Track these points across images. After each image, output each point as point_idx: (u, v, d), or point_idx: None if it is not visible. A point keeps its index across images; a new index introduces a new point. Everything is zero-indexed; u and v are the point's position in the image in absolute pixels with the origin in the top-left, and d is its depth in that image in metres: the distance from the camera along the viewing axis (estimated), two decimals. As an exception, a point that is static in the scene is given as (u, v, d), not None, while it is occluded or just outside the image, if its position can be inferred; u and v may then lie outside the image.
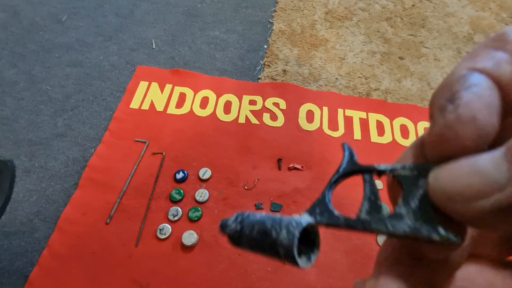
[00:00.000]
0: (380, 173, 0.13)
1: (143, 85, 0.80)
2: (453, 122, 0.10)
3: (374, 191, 0.13)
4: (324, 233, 0.61)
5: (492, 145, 0.10)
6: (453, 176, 0.10)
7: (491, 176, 0.09)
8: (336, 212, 0.13)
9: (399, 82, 0.85)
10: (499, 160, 0.09)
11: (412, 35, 0.96)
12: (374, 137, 0.74)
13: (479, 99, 0.10)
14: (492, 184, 0.09)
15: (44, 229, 0.60)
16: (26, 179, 0.65)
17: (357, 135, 0.74)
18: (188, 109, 0.76)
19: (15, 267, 0.56)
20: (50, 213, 0.62)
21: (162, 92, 0.79)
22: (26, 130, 0.72)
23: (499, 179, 0.09)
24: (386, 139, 0.74)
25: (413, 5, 1.04)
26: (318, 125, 0.75)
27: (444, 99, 0.10)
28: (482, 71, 0.10)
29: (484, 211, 0.09)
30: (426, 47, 0.93)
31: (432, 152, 0.11)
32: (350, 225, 0.12)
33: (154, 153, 0.69)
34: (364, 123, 0.76)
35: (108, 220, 0.61)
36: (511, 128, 0.11)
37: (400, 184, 0.12)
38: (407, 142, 0.74)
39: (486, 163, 0.09)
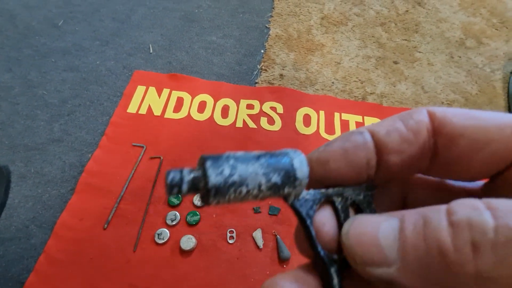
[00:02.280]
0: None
1: (140, 89, 0.80)
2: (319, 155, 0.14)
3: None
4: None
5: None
6: (358, 240, 0.11)
7: (385, 252, 0.10)
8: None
9: (394, 86, 0.86)
10: (394, 237, 0.10)
11: (406, 40, 0.98)
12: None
13: (338, 149, 0.13)
14: (383, 258, 0.10)
15: (41, 235, 0.59)
16: (22, 185, 0.64)
17: (354, 138, 0.75)
18: (186, 114, 0.76)
19: (11, 274, 0.56)
20: (47, 219, 0.61)
21: (159, 97, 0.79)
22: (22, 135, 0.71)
23: (390, 256, 0.10)
24: (382, 142, 0.75)
25: (407, 10, 1.06)
26: (315, 129, 0.76)
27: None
28: (370, 131, 0.13)
29: (372, 276, 0.11)
30: (419, 52, 0.95)
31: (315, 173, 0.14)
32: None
33: (152, 158, 0.69)
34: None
35: (105, 225, 0.60)
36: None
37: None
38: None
39: (385, 236, 0.11)
